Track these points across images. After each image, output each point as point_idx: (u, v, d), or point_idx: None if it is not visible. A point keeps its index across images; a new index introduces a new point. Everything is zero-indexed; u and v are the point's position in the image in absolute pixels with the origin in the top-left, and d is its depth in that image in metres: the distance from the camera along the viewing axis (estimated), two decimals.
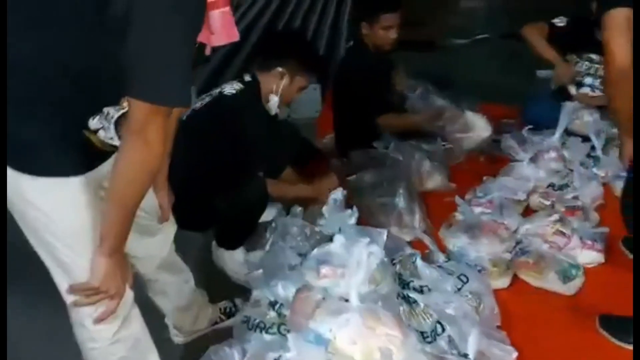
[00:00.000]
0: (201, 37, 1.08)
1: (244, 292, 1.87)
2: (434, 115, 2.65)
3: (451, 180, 2.56)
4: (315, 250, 1.44)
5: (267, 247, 1.75)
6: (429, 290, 1.52)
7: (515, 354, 1.47)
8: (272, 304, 1.48)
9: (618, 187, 2.44)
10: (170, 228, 1.59)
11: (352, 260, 1.31)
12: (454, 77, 3.74)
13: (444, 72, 3.74)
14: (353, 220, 1.50)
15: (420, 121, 2.66)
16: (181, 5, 1.00)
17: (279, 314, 1.46)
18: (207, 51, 1.17)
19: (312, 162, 2.72)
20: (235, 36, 1.15)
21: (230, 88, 2.03)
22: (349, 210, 1.54)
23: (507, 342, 1.50)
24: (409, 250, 1.70)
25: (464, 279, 1.62)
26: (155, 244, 1.56)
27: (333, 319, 1.23)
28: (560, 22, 2.91)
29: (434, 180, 2.48)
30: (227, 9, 1.10)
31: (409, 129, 2.66)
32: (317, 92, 3.43)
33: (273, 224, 1.79)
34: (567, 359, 1.64)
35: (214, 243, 2.10)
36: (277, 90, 2.03)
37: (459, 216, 2.19)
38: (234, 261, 2.04)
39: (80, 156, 1.15)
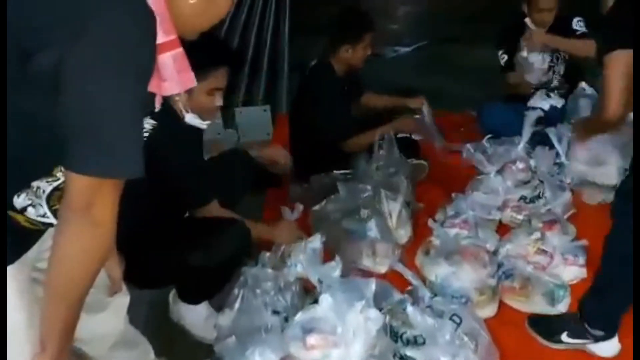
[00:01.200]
0: (151, 87, 0.87)
1: (211, 351, 1.66)
2: (397, 126, 2.54)
3: (418, 198, 2.44)
4: (300, 315, 1.25)
5: (237, 304, 1.53)
6: (424, 340, 1.37)
7: None
8: None
9: (585, 193, 2.42)
10: (122, 299, 1.36)
11: (346, 328, 1.14)
12: (401, 85, 3.65)
13: (391, 81, 3.66)
14: (337, 273, 1.33)
15: (386, 132, 2.54)
16: (125, 54, 0.79)
17: None
18: (157, 103, 0.95)
19: (270, 190, 2.55)
20: (191, 81, 0.95)
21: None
22: (332, 262, 1.36)
23: None
24: (397, 295, 1.54)
25: (457, 320, 1.49)
26: (106, 320, 1.34)
27: None
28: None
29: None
30: (180, 49, 0.91)
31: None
32: (267, 113, 3.25)
33: (242, 277, 1.58)
34: None
35: (172, 294, 1.86)
36: (183, 103, 1.63)
37: (435, 241, 2.06)
38: (197, 316, 1.81)
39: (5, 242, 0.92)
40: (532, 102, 2.77)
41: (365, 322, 1.14)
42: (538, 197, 2.26)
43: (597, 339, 1.64)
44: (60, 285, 0.90)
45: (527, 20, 2.79)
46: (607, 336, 1.64)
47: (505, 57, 2.94)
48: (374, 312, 1.17)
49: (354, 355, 1.13)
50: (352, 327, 1.14)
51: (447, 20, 5.23)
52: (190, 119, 1.36)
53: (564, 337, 1.69)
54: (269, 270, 1.58)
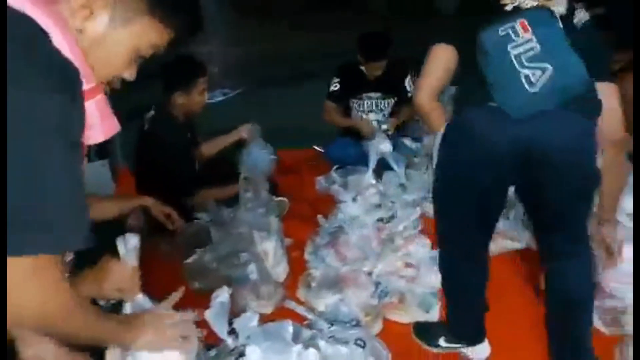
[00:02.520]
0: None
1: None
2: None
3: (286, 234, 2.51)
4: None
5: None
6: None
7: None
8: None
9: (426, 207, 2.74)
10: None
11: None
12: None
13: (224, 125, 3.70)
14: (255, 322, 1.31)
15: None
16: (52, 123, 0.72)
17: None
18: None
19: None
20: (116, 127, 0.91)
21: None
22: (247, 313, 1.33)
23: None
24: (306, 332, 1.56)
25: (362, 343, 1.57)
26: None
27: None
28: (334, 87, 3.22)
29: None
30: (101, 96, 0.88)
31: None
32: (106, 168, 3.01)
33: None
34: None
35: None
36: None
37: (315, 272, 2.14)
38: None
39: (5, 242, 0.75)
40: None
41: None
42: (392, 217, 2.50)
43: (469, 344, 1.84)
44: None
45: (363, 67, 3.11)
46: (477, 340, 1.84)
47: (338, 86, 3.21)
48: (312, 353, 1.18)
49: None
50: None
51: (273, 61, 5.51)
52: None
53: (442, 342, 1.87)
54: None
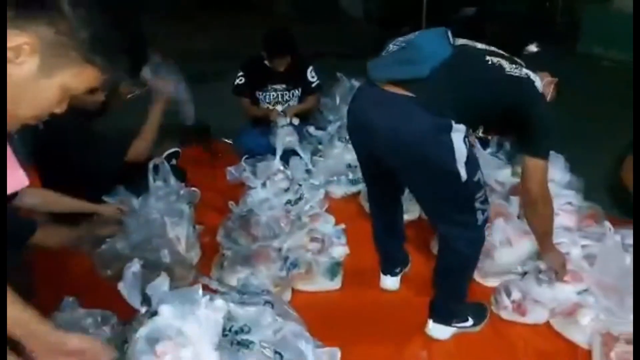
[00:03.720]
0: None
1: None
2: None
3: (198, 221, 2.59)
4: (141, 331, 1.29)
5: None
6: (249, 329, 1.54)
7: (338, 353, 1.65)
8: None
9: (334, 189, 2.95)
10: None
11: (192, 327, 1.24)
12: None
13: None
14: (166, 287, 1.41)
15: None
16: None
17: None
18: None
19: None
20: (23, 181, 0.90)
21: None
22: (159, 278, 1.43)
23: (326, 346, 1.66)
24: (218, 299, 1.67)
25: (271, 305, 1.71)
26: None
27: None
28: (239, 80, 3.36)
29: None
30: (9, 151, 0.87)
31: None
32: None
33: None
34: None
35: None
36: None
37: (227, 252, 2.26)
38: None
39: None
40: (280, 122, 3.17)
41: (214, 312, 1.27)
42: (299, 199, 2.67)
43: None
44: None
45: (267, 62, 3.25)
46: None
47: (243, 79, 3.35)
48: (219, 302, 1.31)
49: (206, 348, 1.25)
50: (198, 323, 1.26)
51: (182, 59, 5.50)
52: None
53: None
54: (81, 310, 1.54)
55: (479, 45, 1.75)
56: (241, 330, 1.55)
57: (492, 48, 1.76)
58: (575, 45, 5.69)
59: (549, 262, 2.07)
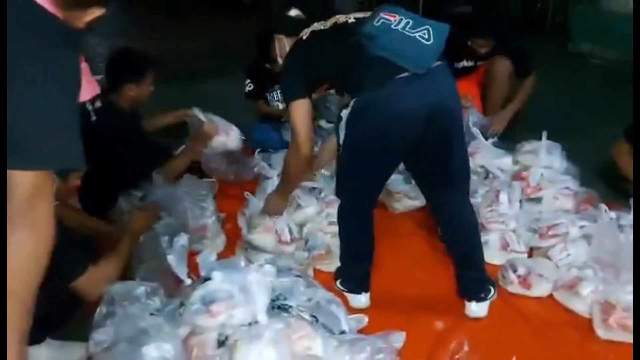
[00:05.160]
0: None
1: None
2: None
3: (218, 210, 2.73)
4: (196, 293, 1.44)
5: (108, 322, 1.59)
6: (285, 297, 1.69)
7: (366, 318, 1.81)
8: None
9: None
10: None
11: (245, 290, 1.39)
12: None
13: None
14: (214, 257, 1.56)
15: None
16: (58, 64, 0.95)
17: None
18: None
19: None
20: (97, 89, 1.12)
21: None
22: (206, 250, 1.58)
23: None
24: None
25: (300, 276, 1.85)
26: None
27: (255, 345, 1.31)
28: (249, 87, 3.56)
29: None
30: (85, 64, 1.08)
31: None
32: None
33: (106, 296, 1.63)
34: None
35: None
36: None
37: (249, 237, 2.41)
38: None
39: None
40: None
41: (263, 276, 1.42)
42: (313, 187, 2.82)
43: (351, 292, 2.12)
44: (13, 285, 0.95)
45: (267, 65, 3.43)
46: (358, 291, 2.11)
47: (252, 86, 3.53)
48: (267, 266, 1.46)
49: (258, 308, 1.40)
50: (250, 286, 1.40)
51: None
52: None
53: (338, 284, 2.14)
54: (131, 282, 1.68)
55: None
56: (278, 299, 1.70)
57: None
58: (566, 44, 5.90)
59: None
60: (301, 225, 2.51)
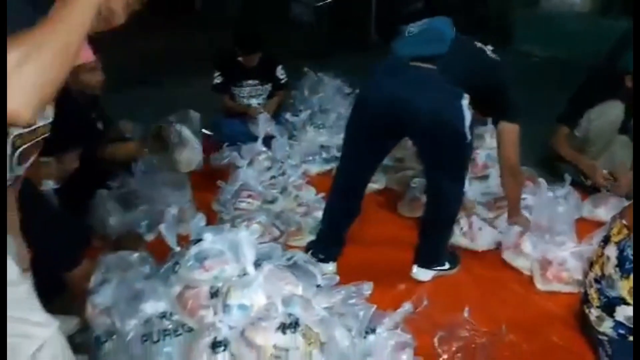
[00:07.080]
0: None
1: None
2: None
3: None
4: (191, 251, 1.62)
5: (105, 287, 1.74)
6: (262, 261, 1.87)
7: (337, 277, 2.02)
8: (162, 315, 1.58)
9: (310, 167, 3.33)
10: None
11: (234, 248, 1.58)
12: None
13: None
14: (204, 222, 1.74)
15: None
16: None
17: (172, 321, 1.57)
18: None
19: None
20: (91, 56, 1.25)
21: None
22: (198, 215, 1.76)
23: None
24: None
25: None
26: None
27: (246, 291, 1.50)
28: (217, 79, 3.70)
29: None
30: None
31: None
32: None
33: (101, 264, 1.78)
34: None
35: None
36: None
37: (226, 217, 2.60)
38: None
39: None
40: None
41: (250, 234, 1.62)
42: (282, 174, 3.04)
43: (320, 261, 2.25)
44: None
45: (240, 59, 3.59)
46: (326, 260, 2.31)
47: (220, 79, 3.69)
48: (255, 226, 1.65)
49: (247, 262, 1.59)
50: (240, 243, 1.60)
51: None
52: None
53: (310, 254, 2.23)
54: (123, 251, 1.85)
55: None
56: (259, 260, 1.90)
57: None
58: (510, 44, 6.36)
59: (520, 224, 2.47)
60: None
